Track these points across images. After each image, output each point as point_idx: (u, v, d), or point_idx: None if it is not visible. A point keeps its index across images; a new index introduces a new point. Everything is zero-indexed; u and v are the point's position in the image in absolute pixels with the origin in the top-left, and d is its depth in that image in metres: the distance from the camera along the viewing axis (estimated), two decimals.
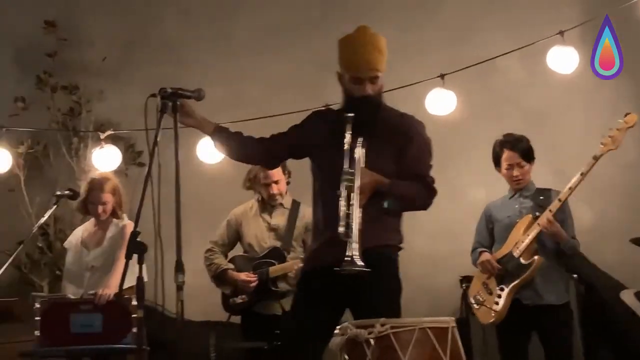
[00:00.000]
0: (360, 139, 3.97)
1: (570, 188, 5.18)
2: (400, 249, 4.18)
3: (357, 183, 3.90)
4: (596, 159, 5.11)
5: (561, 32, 6.10)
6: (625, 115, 5.15)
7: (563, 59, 6.15)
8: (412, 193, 4.08)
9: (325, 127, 4.21)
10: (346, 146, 3.97)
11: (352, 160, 3.96)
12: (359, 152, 3.97)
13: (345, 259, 3.76)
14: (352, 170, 3.92)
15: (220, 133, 4.26)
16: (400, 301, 4.09)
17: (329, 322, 3.91)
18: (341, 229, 3.83)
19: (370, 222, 3.88)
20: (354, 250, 3.76)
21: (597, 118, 6.78)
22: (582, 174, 5.13)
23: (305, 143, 4.24)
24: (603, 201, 6.93)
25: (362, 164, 3.97)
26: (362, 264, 3.75)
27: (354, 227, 3.81)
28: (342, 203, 3.87)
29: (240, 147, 4.28)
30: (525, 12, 7.35)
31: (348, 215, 3.84)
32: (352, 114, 4.00)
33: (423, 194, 4.13)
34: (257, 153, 4.34)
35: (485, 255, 5.44)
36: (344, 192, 3.89)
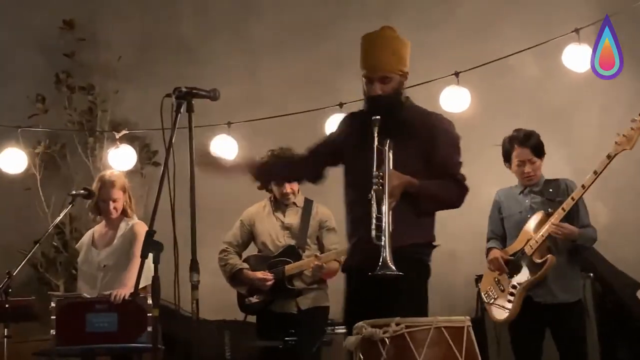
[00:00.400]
0: (387, 141, 3.97)
1: (583, 186, 5.12)
2: (432, 246, 4.17)
3: (387, 186, 3.89)
4: (610, 158, 5.02)
5: (576, 30, 6.08)
6: None
7: (578, 57, 6.12)
8: (443, 192, 4.09)
9: (351, 129, 4.24)
10: (375, 149, 3.97)
11: (380, 163, 3.95)
12: (388, 155, 3.96)
13: (380, 263, 3.77)
14: (382, 174, 3.92)
15: (261, 168, 4.37)
16: (424, 302, 4.08)
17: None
18: (373, 233, 3.84)
19: (397, 223, 3.88)
20: (387, 254, 3.77)
21: (612, 115, 6.75)
22: (595, 173, 5.05)
23: (338, 147, 4.26)
24: (620, 199, 6.90)
25: (391, 166, 3.97)
26: (394, 267, 3.75)
27: (385, 230, 3.81)
28: (374, 207, 3.87)
29: (285, 173, 4.35)
30: (541, 10, 7.32)
31: (379, 219, 3.84)
32: (378, 117, 3.99)
33: (454, 193, 4.14)
34: (302, 173, 4.46)
35: (495, 253, 5.40)
36: (374, 196, 3.89)
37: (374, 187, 3.89)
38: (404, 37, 4.19)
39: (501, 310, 5.34)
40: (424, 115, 4.21)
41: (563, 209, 5.16)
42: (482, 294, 5.54)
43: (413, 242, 4.04)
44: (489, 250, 5.46)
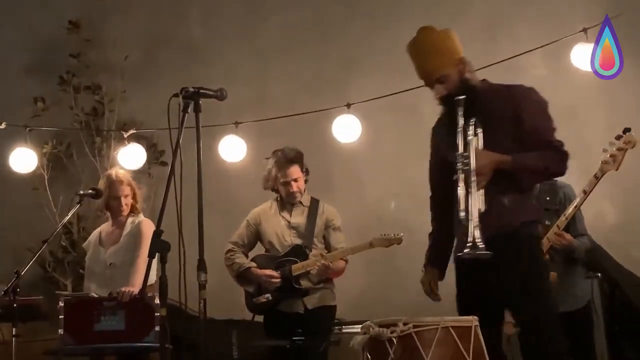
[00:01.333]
0: (472, 120, 3.94)
1: (575, 206, 5.11)
2: (538, 222, 4.11)
3: (473, 165, 3.86)
4: (597, 178, 4.97)
5: (585, 30, 6.07)
6: (624, 132, 4.87)
7: (586, 57, 6.11)
8: (541, 162, 4.01)
9: (440, 136, 4.21)
10: (459, 129, 3.94)
11: (465, 143, 3.92)
12: (476, 132, 3.94)
13: (467, 244, 3.76)
14: (467, 154, 3.89)
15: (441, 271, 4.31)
16: (541, 281, 4.02)
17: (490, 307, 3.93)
18: (461, 214, 3.82)
19: (497, 204, 3.88)
20: (475, 234, 3.76)
21: (620, 114, 6.74)
22: (585, 192, 5.04)
23: (445, 162, 4.14)
24: (628, 199, 6.88)
25: (479, 146, 3.94)
26: (483, 247, 3.74)
27: (473, 210, 3.79)
28: (460, 186, 3.85)
29: (449, 246, 4.23)
30: (549, 10, 7.31)
31: (467, 199, 3.82)
32: (462, 96, 3.97)
33: (554, 160, 4.05)
34: (449, 234, 4.22)
35: None
36: (460, 176, 3.86)
37: (459, 166, 3.87)
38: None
39: (511, 325, 5.35)
40: (503, 91, 4.16)
41: (558, 226, 5.16)
42: None
43: (522, 220, 3.97)
44: None
